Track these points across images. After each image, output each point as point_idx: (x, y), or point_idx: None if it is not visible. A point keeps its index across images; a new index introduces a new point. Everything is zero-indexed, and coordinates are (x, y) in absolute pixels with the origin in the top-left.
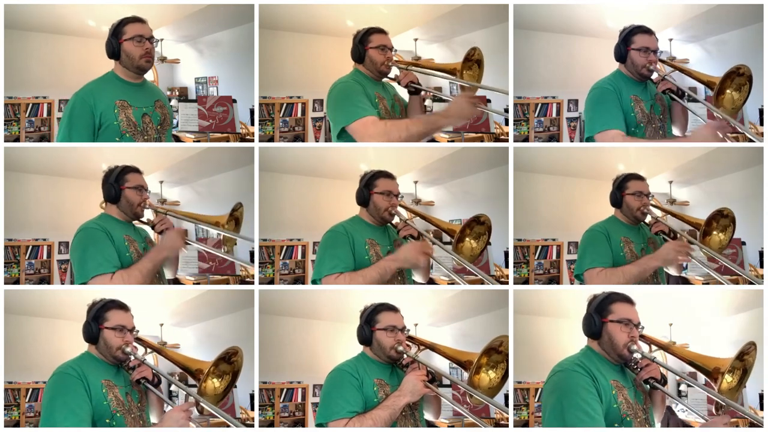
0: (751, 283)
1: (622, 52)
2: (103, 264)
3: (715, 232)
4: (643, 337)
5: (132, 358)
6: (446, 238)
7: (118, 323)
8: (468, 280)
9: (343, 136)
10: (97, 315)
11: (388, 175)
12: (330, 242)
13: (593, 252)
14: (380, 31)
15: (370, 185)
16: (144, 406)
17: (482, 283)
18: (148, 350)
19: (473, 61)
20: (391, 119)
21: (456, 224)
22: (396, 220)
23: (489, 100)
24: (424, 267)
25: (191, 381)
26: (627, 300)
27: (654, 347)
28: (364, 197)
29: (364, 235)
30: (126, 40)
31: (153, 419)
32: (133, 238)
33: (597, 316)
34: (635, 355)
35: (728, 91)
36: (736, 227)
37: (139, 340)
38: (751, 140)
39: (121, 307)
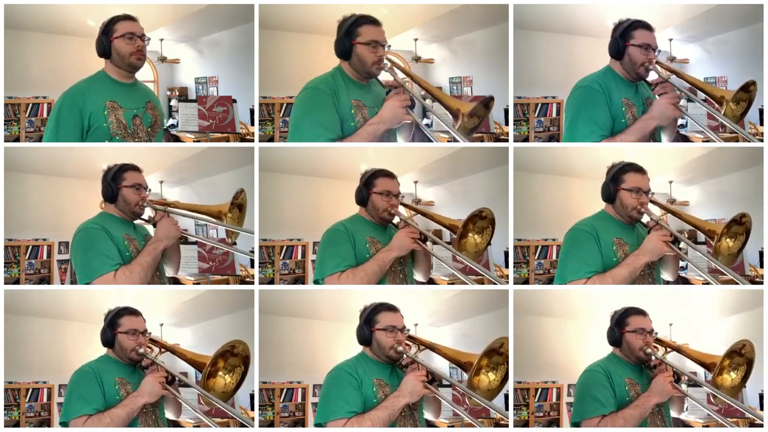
0: (752, 283)
1: (619, 48)
2: (106, 263)
3: (724, 238)
4: (658, 341)
5: (145, 358)
6: (446, 236)
7: (130, 327)
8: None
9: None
10: (112, 321)
11: (387, 174)
12: (331, 241)
13: (577, 258)
14: (371, 22)
15: (369, 184)
16: (158, 404)
17: (482, 282)
18: (162, 350)
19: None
20: (338, 142)
21: (458, 220)
22: (396, 220)
23: (492, 98)
24: (424, 255)
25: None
26: (641, 312)
27: (668, 349)
28: (362, 197)
29: (365, 233)
30: (117, 38)
31: (169, 415)
32: (133, 237)
33: (617, 328)
34: (651, 356)
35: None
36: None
37: (153, 341)
38: (748, 139)
39: (133, 312)
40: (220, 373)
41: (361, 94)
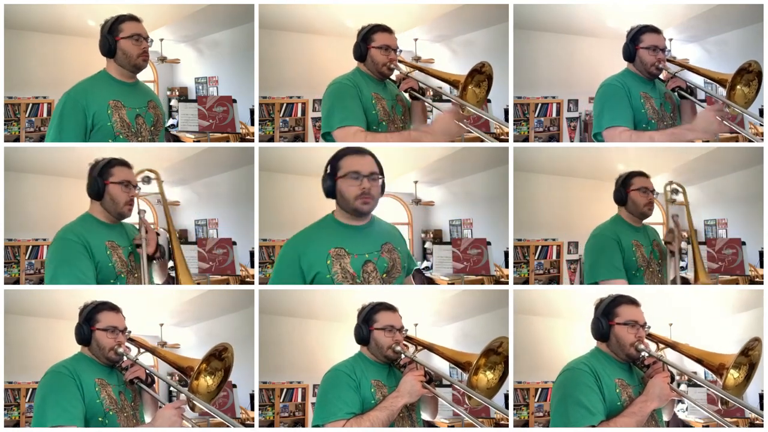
0: (752, 283)
1: (630, 51)
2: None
3: (739, 86)
4: (650, 336)
5: (125, 358)
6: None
7: (109, 324)
8: (468, 280)
9: (329, 137)
10: (89, 317)
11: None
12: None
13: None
14: (385, 30)
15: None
16: (138, 406)
17: (483, 283)
18: (141, 350)
19: (484, 74)
20: (373, 133)
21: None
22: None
23: (489, 100)
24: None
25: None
26: (632, 302)
27: (661, 345)
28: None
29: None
30: (123, 38)
31: (147, 418)
32: (117, 244)
33: (604, 319)
34: (642, 353)
35: (738, 86)
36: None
37: (131, 340)
38: (753, 137)
39: (112, 308)
40: (202, 375)
41: (378, 88)
